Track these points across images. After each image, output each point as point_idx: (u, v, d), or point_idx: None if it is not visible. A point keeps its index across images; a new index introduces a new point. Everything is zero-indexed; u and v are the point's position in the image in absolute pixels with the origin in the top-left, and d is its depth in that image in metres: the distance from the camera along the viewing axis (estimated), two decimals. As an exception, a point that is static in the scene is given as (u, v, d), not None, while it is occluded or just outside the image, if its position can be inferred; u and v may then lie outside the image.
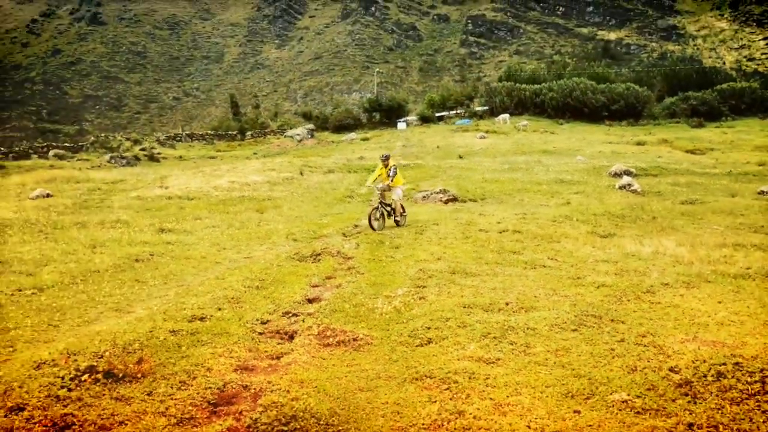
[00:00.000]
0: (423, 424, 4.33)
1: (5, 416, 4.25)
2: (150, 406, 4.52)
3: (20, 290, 8.77)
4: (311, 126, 57.86)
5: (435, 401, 4.68)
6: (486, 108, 61.30)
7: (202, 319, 7.02)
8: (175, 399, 4.67)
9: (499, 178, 22.92)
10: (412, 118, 61.77)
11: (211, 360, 5.57)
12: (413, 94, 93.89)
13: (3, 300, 8.21)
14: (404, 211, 14.92)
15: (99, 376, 4.96)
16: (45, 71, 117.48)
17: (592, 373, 5.13)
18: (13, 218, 15.24)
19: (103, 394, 4.71)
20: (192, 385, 4.96)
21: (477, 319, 6.75)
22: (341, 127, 59.58)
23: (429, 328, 6.53)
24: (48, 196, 20.62)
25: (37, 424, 4.16)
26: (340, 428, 4.33)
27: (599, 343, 5.92)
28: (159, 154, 43.28)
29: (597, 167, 25.23)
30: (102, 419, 4.26)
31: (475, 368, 5.27)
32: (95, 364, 5.14)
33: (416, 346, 6.14)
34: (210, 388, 4.85)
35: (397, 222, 14.58)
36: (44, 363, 5.31)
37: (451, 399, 4.71)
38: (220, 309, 7.52)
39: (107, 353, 5.36)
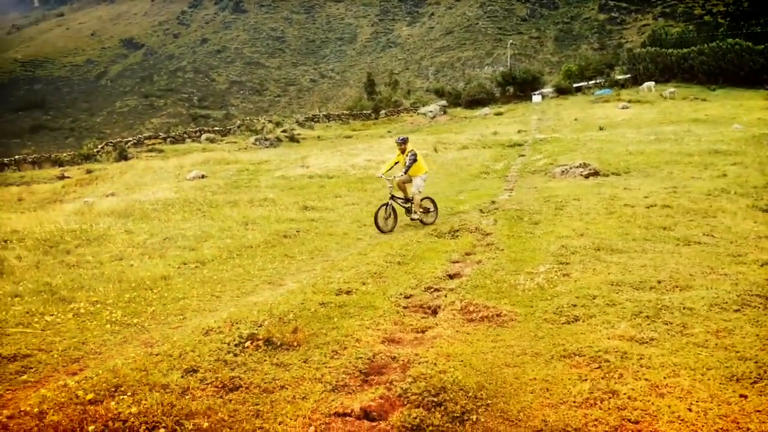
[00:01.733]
0: (574, 402, 4.27)
1: (182, 377, 4.70)
2: (307, 373, 4.82)
3: (185, 264, 9.58)
4: (443, 102, 57.61)
5: (586, 380, 4.59)
6: (628, 76, 57.83)
7: (348, 292, 7.32)
8: (329, 367, 4.94)
9: (645, 150, 21.63)
10: (547, 90, 59.63)
11: (360, 332, 5.81)
12: (548, 66, 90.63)
13: (171, 272, 9.02)
14: (434, 207, 12.72)
15: (260, 343, 5.35)
16: (194, 60, 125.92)
17: (759, 356, 4.78)
18: (175, 198, 16.60)
19: (264, 360, 5.08)
20: (343, 355, 5.21)
21: (626, 298, 6.50)
22: (474, 102, 58.81)
23: (575, 306, 6.38)
24: (203, 177, 22.26)
25: (209, 385, 4.57)
26: (489, 402, 4.37)
27: (766, 325, 5.50)
28: (299, 134, 45.16)
29: (757, 136, 23.09)
30: (265, 383, 4.60)
31: (627, 348, 5.09)
32: (256, 332, 5.54)
33: (562, 323, 6.02)
34: (360, 358, 5.07)
35: (422, 221, 12.36)
36: (211, 330, 5.81)
37: (602, 378, 4.59)
38: (364, 283, 7.79)
39: (266, 323, 5.75)
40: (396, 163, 12.65)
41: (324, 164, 23.96)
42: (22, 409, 4.26)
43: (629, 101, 43.24)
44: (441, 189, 17.65)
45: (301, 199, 16.15)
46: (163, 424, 3.83)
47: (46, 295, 7.76)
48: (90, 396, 4.23)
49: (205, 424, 3.86)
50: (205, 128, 54.23)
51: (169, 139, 46.37)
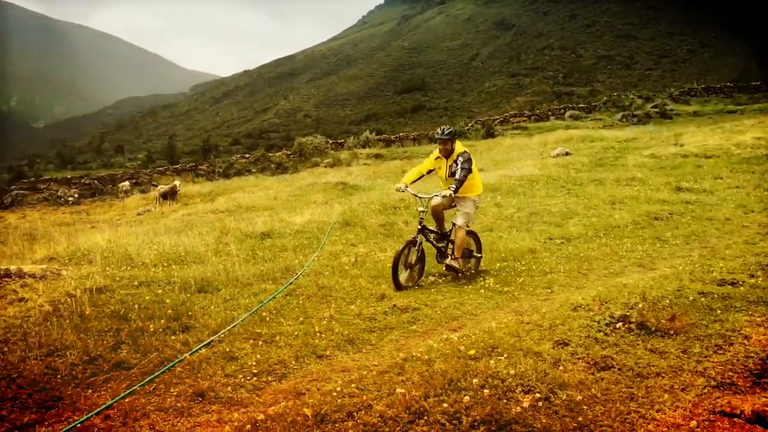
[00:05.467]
0: None
1: (552, 348, 4.82)
2: (685, 364, 4.50)
3: (551, 239, 9.76)
4: None
5: None
6: None
7: (733, 284, 6.56)
8: (712, 361, 4.53)
9: None
10: None
11: (749, 328, 5.18)
12: None
13: (537, 246, 9.29)
14: (478, 249, 8.37)
15: (632, 326, 5.17)
16: (562, 36, 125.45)
17: None
18: (539, 174, 16.95)
19: (637, 344, 4.89)
20: (729, 351, 4.72)
21: None
22: None
23: None
24: (567, 154, 22.22)
25: (580, 360, 4.59)
26: None
27: None
28: (671, 110, 41.80)
29: None
30: (639, 367, 4.44)
31: None
32: (627, 314, 5.36)
33: None
34: (751, 357, 4.53)
35: (456, 270, 7.85)
36: (579, 306, 5.81)
37: None
38: (752, 276, 6.90)
39: (638, 306, 5.52)
40: (430, 171, 8.12)
41: (701, 142, 21.73)
42: (413, 354, 4.88)
43: None
44: None
45: (674, 180, 14.96)
46: (537, 390, 3.99)
47: (430, 257, 8.71)
48: (471, 352, 4.63)
49: (578, 397, 3.90)
50: (569, 105, 53.86)
51: (533, 117, 47.41)
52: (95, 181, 38.80)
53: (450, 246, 7.95)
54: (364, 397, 4.05)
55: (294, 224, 11.79)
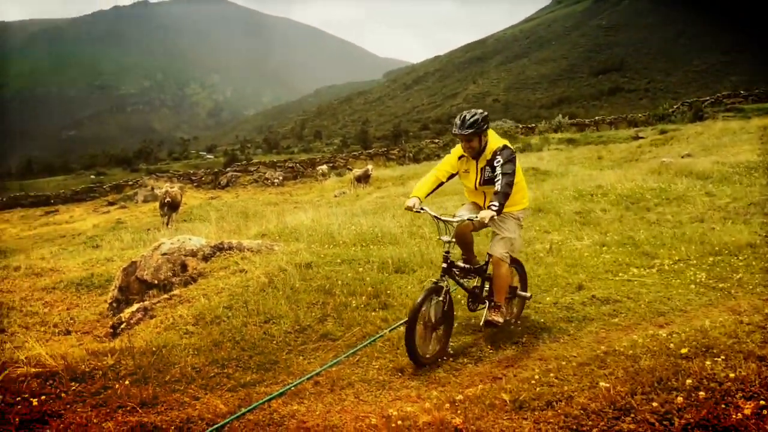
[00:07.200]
0: None
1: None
2: None
3: (774, 233, 8.75)
4: None
5: None
6: None
7: None
8: None
9: None
10: None
11: None
12: None
13: (757, 240, 8.36)
14: (523, 285, 5.84)
15: None
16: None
17: None
18: (758, 161, 15.20)
19: None
20: None
21: None
22: None
23: None
24: (793, 138, 19.69)
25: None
26: None
27: None
28: None
29: None
30: None
31: None
32: None
33: None
34: None
35: (499, 325, 5.20)
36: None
37: None
38: None
39: None
40: (452, 176, 5.38)
41: None
42: (615, 348, 4.67)
43: None
44: None
45: None
46: (762, 397, 3.62)
47: (630, 248, 8.24)
48: (683, 351, 4.32)
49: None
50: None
51: (750, 98, 42.49)
52: (297, 165, 41.87)
53: (486, 286, 5.49)
54: (565, 388, 3.96)
55: (485, 209, 11.77)
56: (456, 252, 5.48)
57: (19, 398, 4.14)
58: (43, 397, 4.16)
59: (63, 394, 4.30)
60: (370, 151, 48.80)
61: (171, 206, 18.71)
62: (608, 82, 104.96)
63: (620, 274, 7.23)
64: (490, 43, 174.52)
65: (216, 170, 43.74)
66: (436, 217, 4.99)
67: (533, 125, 44.06)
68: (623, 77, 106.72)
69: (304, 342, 5.40)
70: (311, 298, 6.27)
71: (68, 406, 4.15)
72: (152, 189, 33.51)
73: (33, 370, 4.63)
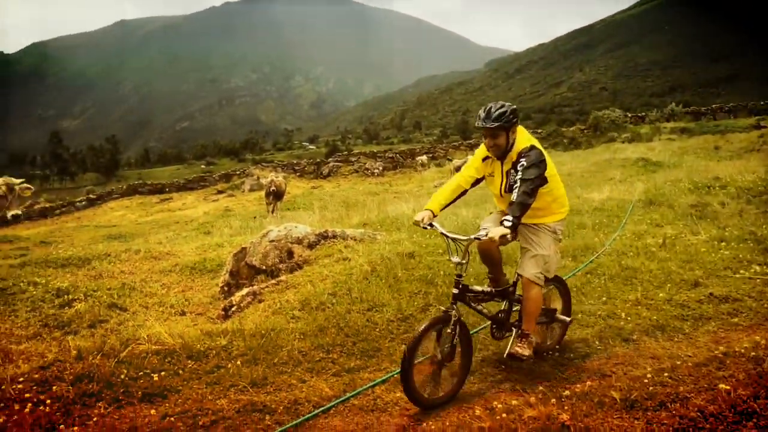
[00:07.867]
0: None
1: None
2: None
3: None
4: None
5: None
6: None
7: None
8: None
9: None
10: None
11: None
12: None
13: None
14: (566, 308, 4.95)
15: None
16: None
17: None
18: None
19: None
20: None
21: None
22: None
23: None
24: None
25: None
26: None
27: None
28: None
29: None
30: None
31: None
32: None
33: None
34: None
35: (525, 358, 4.29)
36: None
37: None
38: None
39: None
40: (477, 181, 4.60)
41: None
42: (736, 349, 4.37)
43: None
44: None
45: None
46: None
47: (752, 244, 7.68)
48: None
49: None
50: None
51: None
52: (397, 155, 42.10)
53: (514, 308, 4.70)
54: (680, 389, 3.75)
55: (592, 201, 11.37)
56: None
57: (141, 373, 4.44)
58: (162, 373, 4.44)
59: (180, 371, 4.56)
60: (470, 141, 48.28)
61: (276, 195, 19.35)
62: (726, 68, 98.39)
63: (741, 272, 6.75)
64: (598, 29, 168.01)
65: (318, 160, 44.74)
66: (445, 234, 4.24)
67: (643, 114, 42.02)
68: (743, 62, 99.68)
69: (407, 331, 5.42)
70: (413, 287, 6.29)
71: (185, 382, 4.40)
72: (258, 178, 34.74)
73: (153, 347, 4.93)
